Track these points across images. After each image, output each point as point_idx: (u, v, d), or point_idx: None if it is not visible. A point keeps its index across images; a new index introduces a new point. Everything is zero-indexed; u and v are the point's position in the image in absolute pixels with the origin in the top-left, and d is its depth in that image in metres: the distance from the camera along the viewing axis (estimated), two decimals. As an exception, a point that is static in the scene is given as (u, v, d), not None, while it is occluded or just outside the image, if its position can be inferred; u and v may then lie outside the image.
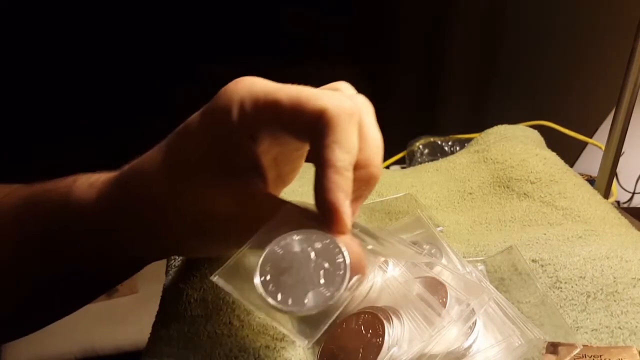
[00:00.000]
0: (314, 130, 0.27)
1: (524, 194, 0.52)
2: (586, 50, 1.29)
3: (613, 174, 0.79)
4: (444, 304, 0.29)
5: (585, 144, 1.09)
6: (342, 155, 0.27)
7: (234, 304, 0.34)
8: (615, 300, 0.35)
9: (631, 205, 1.13)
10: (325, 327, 0.25)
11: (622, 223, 0.48)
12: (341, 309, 0.26)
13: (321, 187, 0.26)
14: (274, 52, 1.31)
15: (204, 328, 0.32)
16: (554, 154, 0.58)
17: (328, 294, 0.25)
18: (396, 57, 1.38)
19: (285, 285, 0.25)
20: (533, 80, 1.34)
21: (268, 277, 0.26)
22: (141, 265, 0.35)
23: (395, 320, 0.29)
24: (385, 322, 0.29)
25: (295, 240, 0.26)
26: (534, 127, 0.66)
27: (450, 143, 0.93)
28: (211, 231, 0.31)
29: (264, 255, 0.26)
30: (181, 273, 0.39)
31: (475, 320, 0.30)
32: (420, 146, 0.92)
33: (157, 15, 1.31)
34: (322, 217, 0.26)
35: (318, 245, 0.26)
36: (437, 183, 0.56)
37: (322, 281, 0.25)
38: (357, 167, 0.29)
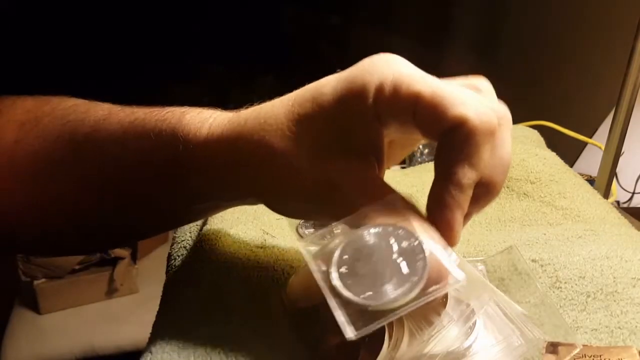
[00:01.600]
0: (448, 137, 0.26)
1: (524, 193, 0.52)
2: (586, 50, 1.29)
3: (613, 174, 0.79)
4: (444, 304, 0.29)
5: (585, 144, 1.09)
6: (471, 174, 0.26)
7: (235, 304, 0.34)
8: (615, 300, 0.35)
9: (631, 205, 1.13)
10: (377, 326, 0.24)
11: (622, 223, 0.48)
12: (402, 314, 0.24)
13: (441, 200, 0.27)
14: (273, 52, 1.31)
15: (204, 328, 0.32)
16: (554, 154, 0.58)
17: (392, 295, 0.24)
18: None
19: (358, 274, 0.25)
20: (533, 80, 1.34)
21: (344, 268, 0.25)
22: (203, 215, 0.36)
23: (395, 320, 0.29)
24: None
25: (381, 232, 0.25)
26: (533, 127, 0.66)
27: (450, 143, 0.93)
28: (309, 199, 0.30)
29: (349, 238, 0.26)
30: (181, 273, 0.39)
31: (475, 320, 0.30)
32: (420, 146, 0.92)
33: (157, 15, 1.31)
34: (433, 226, 0.26)
35: (404, 244, 0.25)
36: (437, 183, 0.56)
37: (393, 280, 0.24)
38: (479, 183, 0.28)
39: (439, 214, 0.27)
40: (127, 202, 0.36)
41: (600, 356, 0.29)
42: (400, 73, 0.27)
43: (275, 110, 0.30)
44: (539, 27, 1.29)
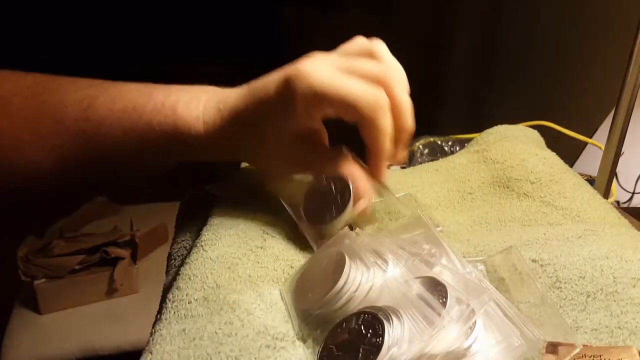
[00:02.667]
0: (357, 121, 0.39)
1: (524, 193, 0.52)
2: (586, 50, 1.29)
3: (613, 174, 0.79)
4: (444, 304, 0.29)
5: (585, 144, 1.09)
6: (383, 139, 0.39)
7: (235, 304, 0.34)
8: (615, 300, 0.35)
9: (631, 205, 1.13)
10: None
11: (622, 223, 0.48)
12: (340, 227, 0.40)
13: (372, 162, 0.41)
14: (273, 52, 1.31)
15: (204, 328, 0.32)
16: (554, 154, 0.58)
17: (334, 217, 0.40)
18: (396, 57, 1.38)
19: (315, 209, 0.41)
20: (533, 80, 1.34)
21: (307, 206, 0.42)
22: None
23: (395, 320, 0.29)
24: (385, 321, 0.29)
25: (326, 181, 0.42)
26: (533, 127, 0.66)
27: (450, 143, 0.93)
28: (276, 155, 0.43)
29: (308, 187, 0.43)
30: (181, 273, 0.39)
31: (475, 320, 0.30)
32: (420, 146, 0.92)
33: (157, 15, 1.31)
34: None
35: (339, 186, 0.41)
36: (437, 183, 0.56)
37: (334, 209, 0.40)
38: (397, 129, 0.40)
39: (373, 171, 0.42)
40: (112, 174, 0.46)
41: (600, 356, 0.30)
42: (314, 86, 0.38)
43: (247, 110, 0.42)
44: (539, 27, 1.29)
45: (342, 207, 0.40)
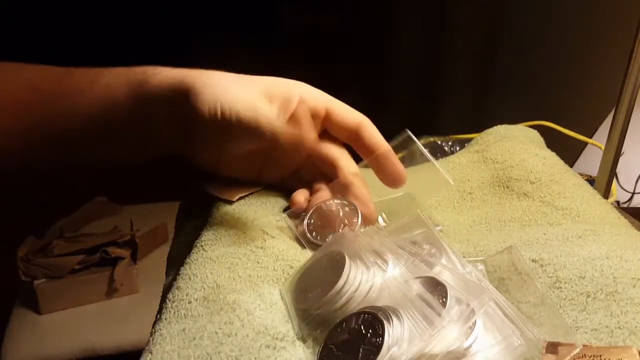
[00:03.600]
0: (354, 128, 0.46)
1: (524, 193, 0.52)
2: (586, 50, 1.29)
3: (613, 174, 0.79)
4: (443, 304, 0.29)
5: (585, 144, 1.09)
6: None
7: (235, 304, 0.34)
8: (615, 300, 0.35)
9: (631, 205, 1.13)
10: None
11: (622, 223, 0.48)
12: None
13: (388, 162, 0.44)
14: (273, 52, 1.31)
15: (204, 328, 0.32)
16: (554, 154, 0.58)
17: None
18: (396, 57, 1.38)
19: (321, 228, 0.42)
20: (533, 80, 1.34)
21: (311, 225, 0.43)
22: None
23: (395, 320, 0.29)
24: (385, 321, 0.29)
25: (332, 203, 0.44)
26: (533, 127, 0.66)
27: (450, 143, 0.93)
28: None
29: (313, 209, 0.44)
30: (181, 273, 0.39)
31: (475, 320, 0.30)
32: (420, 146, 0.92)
33: (156, 15, 1.31)
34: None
35: (346, 209, 0.43)
36: (437, 183, 0.56)
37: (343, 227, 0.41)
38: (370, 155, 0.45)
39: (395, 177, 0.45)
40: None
41: (600, 356, 0.30)
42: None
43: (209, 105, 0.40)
44: (539, 26, 1.29)
45: (352, 224, 0.42)
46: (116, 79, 0.40)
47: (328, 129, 0.46)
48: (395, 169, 0.44)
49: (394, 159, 0.44)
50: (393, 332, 0.29)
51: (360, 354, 0.29)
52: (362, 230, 0.40)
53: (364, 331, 0.29)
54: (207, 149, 0.44)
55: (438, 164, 0.46)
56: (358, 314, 0.31)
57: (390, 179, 0.45)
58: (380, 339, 0.29)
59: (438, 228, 0.47)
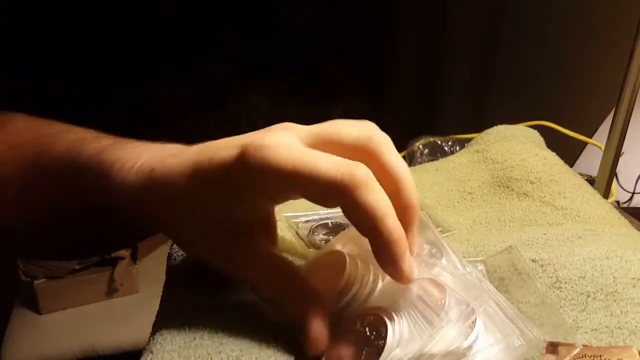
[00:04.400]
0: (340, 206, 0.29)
1: (524, 193, 0.52)
2: (586, 50, 1.29)
3: (613, 174, 0.79)
4: (443, 305, 0.29)
5: (585, 144, 1.09)
6: (378, 222, 0.28)
7: (235, 303, 0.34)
8: (615, 300, 0.35)
9: (631, 205, 1.13)
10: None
11: (622, 223, 0.48)
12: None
13: (384, 260, 0.29)
14: (273, 53, 1.31)
15: (205, 328, 0.32)
16: (554, 154, 0.58)
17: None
18: (396, 57, 1.38)
19: None
20: (533, 80, 1.34)
21: None
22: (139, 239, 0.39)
23: (396, 321, 0.29)
24: (388, 323, 0.29)
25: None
26: (533, 127, 0.66)
27: (450, 143, 0.93)
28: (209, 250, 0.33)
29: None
30: (181, 273, 0.39)
31: (475, 321, 0.30)
32: (420, 146, 0.92)
33: (156, 15, 1.31)
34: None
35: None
36: (436, 183, 0.56)
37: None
38: (399, 208, 0.30)
39: (392, 271, 0.30)
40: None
41: (600, 356, 0.30)
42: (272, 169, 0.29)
43: (182, 176, 0.31)
44: (539, 26, 1.29)
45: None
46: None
47: None
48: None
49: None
50: (395, 334, 0.29)
51: (362, 356, 0.29)
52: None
53: (367, 333, 0.30)
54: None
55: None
56: (362, 315, 0.31)
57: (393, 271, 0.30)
58: (383, 341, 0.29)
59: (439, 229, 0.47)
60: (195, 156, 0.31)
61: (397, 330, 0.29)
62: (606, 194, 0.80)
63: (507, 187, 0.53)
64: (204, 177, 0.30)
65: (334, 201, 0.28)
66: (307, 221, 0.45)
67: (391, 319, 0.29)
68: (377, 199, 0.27)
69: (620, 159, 0.77)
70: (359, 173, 0.27)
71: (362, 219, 0.28)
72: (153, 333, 0.34)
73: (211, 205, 0.30)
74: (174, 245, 0.47)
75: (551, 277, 0.38)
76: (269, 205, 0.32)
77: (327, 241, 0.41)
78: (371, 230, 0.28)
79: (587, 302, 0.35)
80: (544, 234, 0.44)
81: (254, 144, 0.28)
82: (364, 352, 0.29)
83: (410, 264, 0.29)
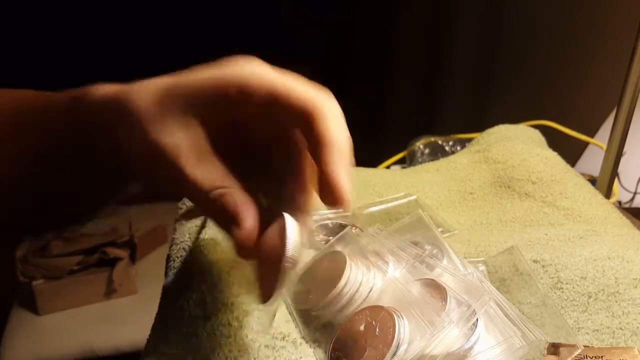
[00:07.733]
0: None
1: (525, 194, 0.52)
2: (587, 49, 1.29)
3: (614, 174, 0.79)
4: (444, 306, 0.29)
5: (586, 143, 1.08)
6: (334, 125, 0.29)
7: (233, 305, 0.34)
8: (616, 301, 0.35)
9: (633, 206, 1.12)
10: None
11: (624, 223, 0.48)
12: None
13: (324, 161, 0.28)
14: (273, 52, 1.31)
15: (203, 328, 0.32)
16: (555, 153, 0.58)
17: None
18: (397, 57, 1.38)
19: None
20: (534, 79, 1.34)
21: None
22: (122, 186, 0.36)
23: (401, 321, 0.29)
24: (397, 319, 0.29)
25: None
26: (535, 126, 0.66)
27: (451, 143, 0.93)
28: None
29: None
30: (180, 274, 0.39)
31: (477, 322, 0.29)
32: (421, 146, 0.92)
33: (156, 15, 1.31)
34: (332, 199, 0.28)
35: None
36: (437, 183, 0.56)
37: None
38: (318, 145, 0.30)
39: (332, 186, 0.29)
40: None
41: (601, 357, 0.29)
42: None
43: (151, 104, 0.31)
44: (540, 26, 1.29)
45: None
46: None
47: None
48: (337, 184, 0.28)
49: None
50: (403, 330, 0.29)
51: (365, 356, 0.29)
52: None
53: (371, 332, 0.29)
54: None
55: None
56: (372, 312, 0.31)
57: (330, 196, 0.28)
58: (391, 337, 0.29)
59: (439, 230, 0.47)
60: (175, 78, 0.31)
61: (404, 325, 0.29)
62: (608, 194, 0.80)
63: (509, 187, 0.53)
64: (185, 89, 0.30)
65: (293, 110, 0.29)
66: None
67: (399, 316, 0.29)
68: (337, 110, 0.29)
69: (622, 159, 0.77)
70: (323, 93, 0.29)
71: (319, 120, 0.29)
72: (152, 334, 0.34)
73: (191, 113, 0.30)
74: (173, 246, 0.47)
75: (552, 277, 0.37)
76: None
77: (327, 242, 0.41)
78: (325, 130, 0.29)
79: (588, 303, 0.35)
80: (546, 235, 0.44)
81: (234, 59, 0.30)
82: (367, 351, 0.29)
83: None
